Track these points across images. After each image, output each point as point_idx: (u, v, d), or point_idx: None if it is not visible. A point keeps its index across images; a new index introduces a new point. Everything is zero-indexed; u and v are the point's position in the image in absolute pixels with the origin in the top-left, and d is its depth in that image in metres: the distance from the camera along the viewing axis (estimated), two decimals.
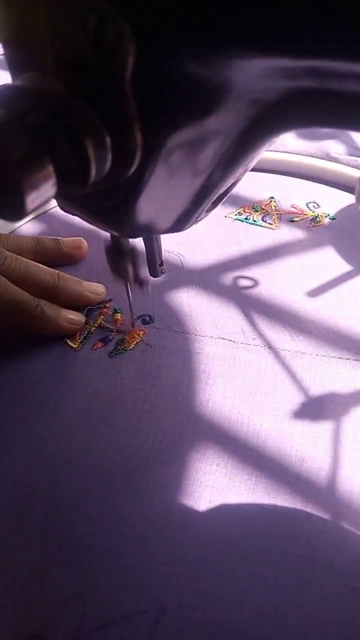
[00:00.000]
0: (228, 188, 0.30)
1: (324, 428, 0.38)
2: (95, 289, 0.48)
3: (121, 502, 0.34)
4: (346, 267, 0.50)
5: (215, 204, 0.31)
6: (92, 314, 0.46)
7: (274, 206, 0.58)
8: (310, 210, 0.57)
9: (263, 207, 0.57)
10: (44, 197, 0.21)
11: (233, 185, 0.30)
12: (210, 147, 0.24)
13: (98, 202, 0.27)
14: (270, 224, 0.56)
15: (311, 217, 0.56)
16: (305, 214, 0.56)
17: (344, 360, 0.42)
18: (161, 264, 0.42)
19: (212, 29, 0.18)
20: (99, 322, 0.46)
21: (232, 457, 0.37)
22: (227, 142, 0.24)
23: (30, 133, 0.20)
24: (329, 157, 0.62)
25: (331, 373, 0.41)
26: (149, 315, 0.47)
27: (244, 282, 0.50)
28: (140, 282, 0.39)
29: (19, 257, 0.45)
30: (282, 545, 0.32)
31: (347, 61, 0.17)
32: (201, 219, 0.32)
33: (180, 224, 0.31)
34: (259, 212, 0.57)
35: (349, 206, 0.55)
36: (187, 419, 0.39)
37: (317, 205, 0.57)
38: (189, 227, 0.32)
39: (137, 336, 0.45)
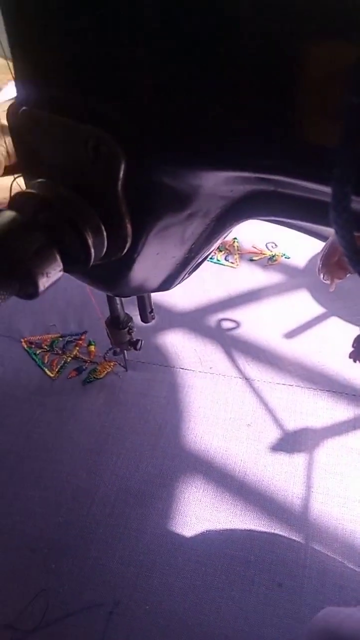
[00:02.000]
0: (206, 257, 0.35)
1: (298, 459, 0.42)
2: None
3: (86, 512, 0.38)
4: (320, 310, 0.55)
5: (195, 269, 0.36)
6: (69, 345, 0.51)
7: (237, 246, 0.63)
8: (268, 250, 0.63)
9: (227, 247, 0.63)
10: (53, 280, 0.26)
11: (210, 254, 0.35)
12: (189, 231, 0.29)
13: (96, 272, 0.31)
14: (232, 262, 0.61)
15: (269, 257, 0.62)
16: (264, 254, 0.62)
17: (318, 393, 0.47)
18: (151, 311, 0.47)
19: (183, 152, 0.23)
20: (74, 353, 0.51)
21: (211, 482, 0.41)
22: (202, 227, 0.30)
23: (41, 230, 0.25)
24: None
25: (306, 407, 0.46)
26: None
27: (226, 325, 0.55)
28: (134, 346, 0.44)
29: None
30: (223, 548, 0.36)
31: (289, 177, 0.23)
32: (184, 280, 0.37)
33: (165, 285, 0.35)
34: (223, 252, 0.62)
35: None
36: (171, 453, 0.43)
37: (275, 245, 0.63)
38: (174, 287, 0.36)
39: (107, 367, 0.50)
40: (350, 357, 0.30)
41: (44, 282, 0.25)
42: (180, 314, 0.56)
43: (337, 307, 0.55)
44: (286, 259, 0.60)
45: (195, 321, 0.55)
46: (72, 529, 0.36)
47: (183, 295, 0.56)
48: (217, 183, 0.26)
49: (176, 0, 0.20)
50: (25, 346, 0.47)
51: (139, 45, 0.22)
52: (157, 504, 0.38)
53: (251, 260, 0.60)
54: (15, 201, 0.26)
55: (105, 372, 0.49)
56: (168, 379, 0.49)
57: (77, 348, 0.50)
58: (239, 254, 0.59)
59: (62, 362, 0.49)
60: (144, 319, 0.46)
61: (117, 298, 0.42)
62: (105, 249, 0.27)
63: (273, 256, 0.61)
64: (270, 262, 0.60)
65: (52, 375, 0.48)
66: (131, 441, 0.42)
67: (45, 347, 0.50)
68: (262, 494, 0.40)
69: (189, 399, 0.47)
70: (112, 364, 0.50)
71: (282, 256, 0.61)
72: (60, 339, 0.49)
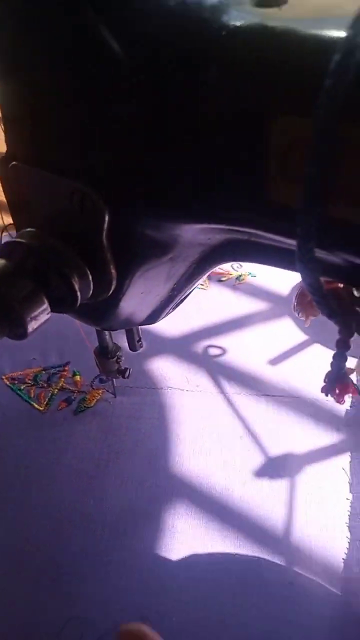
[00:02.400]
0: (188, 293, 0.36)
1: (281, 483, 0.43)
2: None
3: (99, 537, 0.39)
4: (302, 337, 0.57)
5: (179, 304, 0.38)
6: (54, 377, 0.52)
7: None
8: (234, 270, 0.65)
9: None
10: (41, 322, 0.27)
11: (192, 290, 0.37)
12: (170, 273, 0.31)
13: (85, 310, 0.33)
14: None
15: (236, 276, 0.64)
16: (230, 274, 0.64)
17: (301, 419, 0.49)
18: (139, 340, 0.48)
19: (161, 207, 0.25)
20: (60, 384, 0.52)
21: (197, 506, 0.42)
22: (183, 269, 0.31)
23: (29, 276, 0.27)
24: None
25: (290, 433, 0.47)
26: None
27: (212, 351, 0.56)
28: (122, 374, 0.46)
29: None
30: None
31: (259, 230, 0.24)
32: (169, 314, 0.38)
33: (151, 320, 0.37)
34: None
35: None
36: (159, 478, 0.44)
37: (240, 265, 0.66)
38: (159, 321, 0.38)
39: (96, 394, 0.51)
40: (322, 391, 0.31)
41: (32, 325, 0.26)
42: (167, 340, 0.58)
43: (318, 334, 0.57)
44: (252, 277, 0.63)
45: (182, 347, 0.57)
46: (88, 555, 0.37)
47: (169, 322, 0.58)
48: (195, 233, 0.28)
49: (157, 78, 0.22)
50: (7, 383, 0.48)
51: (119, 114, 0.24)
52: (164, 522, 0.40)
53: (219, 281, 0.63)
54: (4, 249, 0.28)
55: (95, 399, 0.50)
56: (158, 402, 0.51)
57: (62, 379, 0.52)
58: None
59: (50, 394, 0.50)
60: (132, 347, 0.48)
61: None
62: (91, 291, 0.29)
63: (240, 276, 0.64)
64: (237, 281, 0.63)
65: (41, 408, 0.49)
66: (131, 463, 0.44)
67: (29, 381, 0.51)
68: (246, 516, 0.41)
69: (179, 420, 0.49)
70: (100, 391, 0.51)
71: (248, 275, 0.63)
72: (43, 372, 0.50)
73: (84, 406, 0.49)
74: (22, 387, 0.51)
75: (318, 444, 0.46)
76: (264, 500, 0.42)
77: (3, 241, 0.28)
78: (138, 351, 0.49)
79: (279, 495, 0.42)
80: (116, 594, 0.37)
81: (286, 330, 0.58)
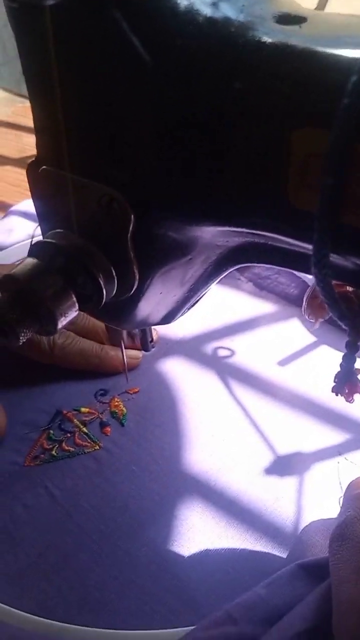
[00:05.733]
0: (204, 294, 0.38)
1: (288, 482, 0.45)
2: (134, 354, 0.55)
3: (107, 536, 0.41)
4: (311, 339, 0.59)
5: (194, 304, 0.39)
6: (64, 425, 0.50)
7: None
8: None
9: None
10: (69, 318, 0.29)
11: (208, 291, 0.38)
12: (189, 274, 0.33)
13: (106, 309, 0.35)
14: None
15: None
16: None
17: (309, 418, 0.50)
18: (152, 341, 0.50)
19: (183, 212, 0.27)
20: (82, 428, 0.50)
21: (202, 514, 0.43)
22: (201, 270, 0.33)
23: (58, 274, 0.28)
24: None
25: (297, 432, 0.49)
26: (103, 389, 0.53)
27: (222, 353, 0.58)
28: (146, 347, 0.47)
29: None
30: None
31: (277, 234, 0.26)
32: (184, 314, 0.40)
33: (168, 319, 0.39)
34: None
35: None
36: (169, 478, 0.45)
37: None
38: (174, 321, 0.40)
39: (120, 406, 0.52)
40: (332, 391, 0.33)
41: (62, 321, 0.28)
42: (176, 342, 0.59)
43: (326, 336, 0.59)
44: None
45: (191, 349, 0.58)
46: (95, 552, 0.39)
47: (178, 324, 0.59)
48: (214, 235, 0.29)
49: (183, 89, 0.24)
50: (31, 464, 0.47)
51: (143, 122, 0.25)
52: (175, 519, 0.41)
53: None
54: (35, 249, 0.29)
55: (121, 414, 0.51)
56: (167, 402, 0.51)
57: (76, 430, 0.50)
58: None
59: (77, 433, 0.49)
60: (145, 347, 0.49)
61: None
62: (115, 290, 0.30)
63: None
64: None
65: (100, 445, 0.48)
66: (137, 466, 0.45)
67: (48, 446, 0.48)
68: (252, 515, 0.42)
69: (188, 419, 0.50)
70: (119, 402, 0.52)
71: None
72: (51, 432, 0.49)
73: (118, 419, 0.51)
74: (55, 453, 0.48)
75: (326, 443, 0.48)
76: (274, 497, 0.43)
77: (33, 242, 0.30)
78: (150, 352, 0.51)
79: (289, 492, 0.44)
80: (125, 588, 0.38)
81: (295, 332, 0.60)
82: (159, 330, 0.60)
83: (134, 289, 0.31)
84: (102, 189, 0.28)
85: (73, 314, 0.29)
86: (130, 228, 0.28)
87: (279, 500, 0.43)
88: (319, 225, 0.22)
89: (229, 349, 0.58)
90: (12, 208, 0.77)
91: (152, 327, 0.58)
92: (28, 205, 0.76)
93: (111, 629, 0.36)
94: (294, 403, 0.52)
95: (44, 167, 0.30)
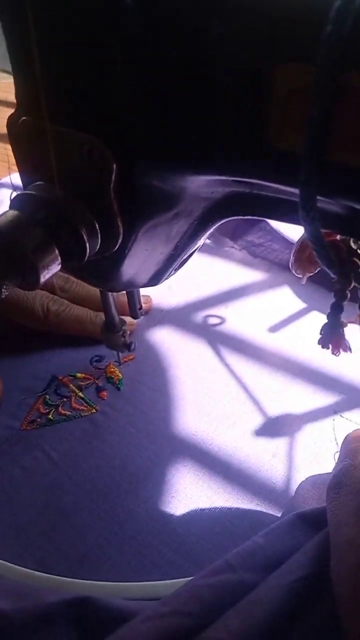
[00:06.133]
0: (191, 253, 0.38)
1: (279, 443, 0.45)
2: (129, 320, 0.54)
3: (98, 497, 0.41)
4: (300, 305, 0.58)
5: (182, 265, 0.39)
6: (60, 389, 0.51)
7: None
8: None
9: None
10: (52, 272, 0.28)
11: (194, 250, 0.38)
12: (174, 228, 0.32)
13: (90, 269, 0.34)
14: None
15: None
16: None
17: (299, 381, 0.50)
18: (140, 308, 0.49)
19: (167, 159, 0.26)
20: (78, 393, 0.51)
21: (198, 471, 0.43)
22: (186, 224, 0.32)
23: (40, 227, 0.28)
24: None
25: (288, 394, 0.49)
26: (99, 356, 0.54)
27: (212, 320, 0.58)
28: (128, 347, 0.46)
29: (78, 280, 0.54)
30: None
31: (262, 180, 0.25)
32: (172, 274, 0.39)
33: (155, 280, 0.38)
34: None
35: None
36: (166, 438, 0.46)
37: None
38: (162, 282, 0.39)
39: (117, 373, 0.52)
40: (318, 343, 0.32)
41: (44, 274, 0.28)
42: (165, 311, 0.59)
43: (316, 302, 0.58)
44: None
45: (181, 318, 0.58)
46: (85, 514, 0.40)
47: (167, 294, 0.59)
48: (199, 185, 0.29)
49: (163, 32, 0.23)
50: (28, 428, 0.47)
51: (125, 67, 0.25)
52: (167, 481, 0.42)
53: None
54: (16, 201, 0.29)
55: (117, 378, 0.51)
56: (158, 369, 0.52)
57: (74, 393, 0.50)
58: None
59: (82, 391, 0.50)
60: (134, 314, 0.49)
61: (113, 305, 0.44)
62: (98, 245, 0.30)
63: None
64: None
65: (96, 408, 0.48)
66: (134, 428, 0.46)
67: (45, 411, 0.48)
68: (246, 473, 0.42)
69: (179, 386, 0.50)
70: (116, 370, 0.52)
71: None
72: (47, 397, 0.49)
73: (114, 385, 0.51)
74: (52, 417, 0.48)
75: (316, 405, 0.48)
76: (265, 457, 0.43)
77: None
78: (139, 318, 0.50)
79: (279, 452, 0.44)
80: (125, 544, 0.38)
81: (285, 300, 0.59)
82: (153, 301, 0.59)
83: (118, 245, 0.30)
84: (83, 138, 0.27)
85: (56, 267, 0.28)
86: (113, 179, 0.27)
87: (270, 459, 0.43)
88: (305, 164, 0.21)
89: (219, 317, 0.58)
90: (1, 181, 0.76)
91: (144, 296, 0.58)
92: (17, 177, 0.75)
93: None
94: (285, 367, 0.51)
95: (24, 117, 0.29)
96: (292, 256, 0.33)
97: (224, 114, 0.23)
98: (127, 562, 0.37)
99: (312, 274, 0.34)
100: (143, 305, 0.57)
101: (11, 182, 0.76)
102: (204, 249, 0.66)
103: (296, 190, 0.23)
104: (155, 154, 0.26)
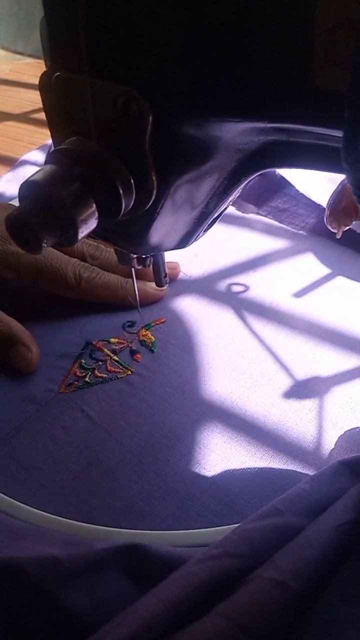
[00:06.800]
0: (220, 213, 0.37)
1: (309, 404, 0.45)
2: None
3: (132, 458, 0.42)
4: (325, 271, 0.58)
5: (210, 226, 0.39)
6: (95, 354, 0.51)
7: None
8: None
9: None
10: (90, 228, 0.28)
11: (223, 211, 0.38)
12: (207, 184, 0.32)
13: (121, 229, 0.34)
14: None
15: None
16: None
17: (326, 345, 0.50)
18: (165, 276, 0.49)
19: (205, 106, 0.26)
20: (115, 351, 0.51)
21: (233, 429, 0.44)
22: (219, 180, 0.32)
23: (78, 181, 0.28)
24: None
25: (315, 358, 0.49)
26: (131, 321, 0.54)
27: (235, 288, 0.58)
28: (160, 282, 0.46)
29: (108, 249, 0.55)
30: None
31: (304, 124, 0.25)
32: (200, 237, 0.40)
33: (183, 242, 0.38)
34: None
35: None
36: (201, 397, 0.46)
37: None
38: (190, 244, 0.39)
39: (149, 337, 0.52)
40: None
41: (82, 229, 0.28)
42: (189, 281, 0.59)
43: (341, 267, 0.58)
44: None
45: (205, 286, 0.58)
46: (119, 473, 0.41)
47: (189, 264, 0.59)
48: (235, 135, 0.28)
49: None
50: (66, 390, 0.48)
51: (163, 10, 0.24)
52: (198, 441, 0.42)
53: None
54: (52, 156, 0.29)
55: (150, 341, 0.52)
56: (185, 335, 0.52)
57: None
58: None
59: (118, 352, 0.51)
60: (159, 283, 0.49)
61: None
62: (133, 200, 0.30)
63: None
64: None
65: (132, 370, 0.50)
66: (170, 387, 0.47)
67: (81, 374, 0.49)
68: (277, 433, 0.43)
69: (205, 355, 0.50)
70: (148, 332, 0.53)
71: None
72: (82, 361, 0.50)
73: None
74: (89, 380, 0.49)
75: (344, 367, 0.48)
76: (294, 418, 0.44)
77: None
78: (164, 286, 0.50)
79: (309, 413, 0.44)
80: (168, 496, 0.39)
81: (309, 266, 0.59)
82: (179, 269, 0.59)
83: (151, 200, 0.30)
84: (118, 89, 0.27)
85: (94, 223, 0.28)
86: (149, 129, 0.27)
87: (300, 420, 0.43)
88: (350, 100, 0.21)
89: (242, 284, 0.58)
90: (23, 158, 0.76)
91: (171, 262, 0.58)
92: (36, 155, 0.76)
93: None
94: (312, 331, 0.51)
95: (58, 73, 0.29)
96: (327, 210, 0.33)
97: (266, 53, 0.23)
98: (171, 513, 0.38)
99: (347, 228, 0.34)
100: (171, 271, 0.58)
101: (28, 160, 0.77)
102: (226, 218, 0.66)
103: (338, 134, 0.23)
104: (194, 102, 0.26)
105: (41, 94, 0.31)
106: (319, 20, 0.21)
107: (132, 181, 0.29)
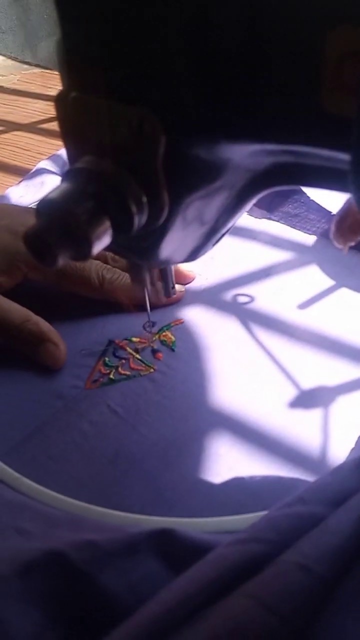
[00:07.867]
0: (228, 228, 0.38)
1: (315, 413, 0.46)
2: (179, 287, 0.58)
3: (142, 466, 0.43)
4: (329, 282, 0.59)
5: (218, 240, 0.39)
6: (118, 351, 0.53)
7: None
8: None
9: None
10: (104, 244, 0.29)
11: (232, 225, 0.39)
12: (216, 202, 0.33)
13: (133, 244, 0.35)
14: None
15: None
16: None
17: (331, 355, 0.51)
18: (173, 287, 0.50)
19: (216, 129, 0.27)
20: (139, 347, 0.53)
21: (237, 437, 0.45)
22: (228, 198, 0.33)
23: (92, 199, 0.29)
24: None
25: (320, 368, 0.50)
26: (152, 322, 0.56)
27: (241, 299, 0.58)
28: (168, 292, 0.47)
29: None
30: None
31: (312, 146, 0.26)
32: (208, 251, 0.40)
33: (192, 256, 0.39)
34: None
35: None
36: (200, 411, 0.47)
37: None
38: (199, 258, 0.40)
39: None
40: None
41: (96, 246, 0.29)
42: (194, 292, 0.60)
43: (345, 279, 0.59)
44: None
45: (210, 297, 0.59)
46: (131, 480, 0.42)
47: (210, 267, 0.62)
48: (244, 156, 0.29)
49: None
50: (92, 387, 0.50)
51: (178, 37, 0.25)
52: (206, 449, 0.43)
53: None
54: (68, 175, 0.30)
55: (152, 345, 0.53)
56: (191, 346, 0.53)
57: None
58: None
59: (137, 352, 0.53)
60: (167, 293, 0.50)
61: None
62: (145, 218, 0.31)
63: None
64: None
65: (154, 367, 0.51)
66: (192, 384, 0.49)
67: (106, 372, 0.51)
68: (283, 442, 0.43)
69: (212, 360, 0.51)
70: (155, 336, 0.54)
71: None
72: (106, 359, 0.52)
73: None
74: (113, 377, 0.51)
75: (349, 377, 0.48)
76: (300, 427, 0.44)
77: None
78: (172, 296, 0.51)
79: (314, 422, 0.45)
80: (194, 486, 0.41)
81: (313, 278, 0.60)
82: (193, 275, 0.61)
83: (163, 218, 0.31)
84: (132, 111, 0.28)
85: (107, 239, 0.29)
86: (161, 150, 0.28)
87: (305, 429, 0.44)
88: (358, 125, 0.22)
89: (248, 295, 0.59)
90: (38, 166, 0.76)
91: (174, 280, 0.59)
92: (47, 164, 0.76)
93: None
94: (316, 342, 0.52)
95: (74, 94, 0.30)
96: (333, 226, 0.34)
97: (276, 80, 0.24)
98: (199, 503, 0.39)
99: (353, 244, 0.35)
100: (188, 274, 0.61)
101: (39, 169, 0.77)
102: (232, 230, 0.67)
103: (345, 157, 0.24)
104: (206, 125, 0.27)
105: (57, 113, 0.32)
106: (329, 49, 0.22)
107: (144, 199, 0.30)
